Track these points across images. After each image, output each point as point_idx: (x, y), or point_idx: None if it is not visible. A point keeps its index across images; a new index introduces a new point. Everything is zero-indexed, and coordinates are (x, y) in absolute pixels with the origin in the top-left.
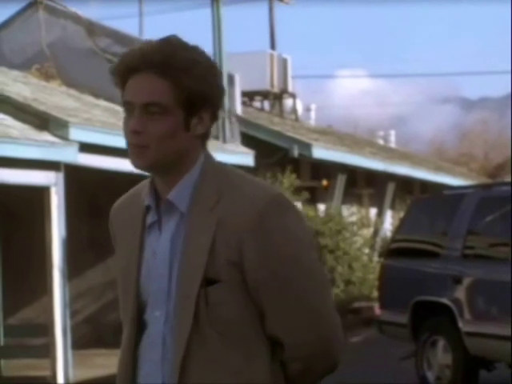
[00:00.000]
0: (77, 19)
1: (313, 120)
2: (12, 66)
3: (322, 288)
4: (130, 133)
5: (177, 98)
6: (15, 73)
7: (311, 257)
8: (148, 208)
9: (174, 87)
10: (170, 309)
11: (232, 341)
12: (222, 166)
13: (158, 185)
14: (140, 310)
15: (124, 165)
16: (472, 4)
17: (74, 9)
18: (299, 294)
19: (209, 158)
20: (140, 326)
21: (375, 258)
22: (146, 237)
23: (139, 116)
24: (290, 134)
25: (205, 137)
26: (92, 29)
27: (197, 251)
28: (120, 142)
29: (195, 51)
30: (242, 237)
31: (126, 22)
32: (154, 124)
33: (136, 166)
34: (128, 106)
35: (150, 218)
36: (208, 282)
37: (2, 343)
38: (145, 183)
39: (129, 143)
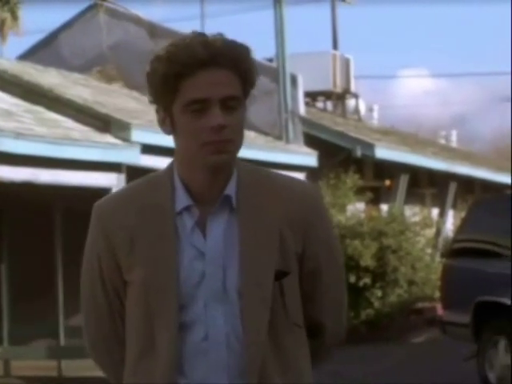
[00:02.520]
0: (138, 21)
1: (375, 120)
2: (72, 68)
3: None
4: (213, 129)
5: (243, 90)
6: (76, 75)
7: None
8: (185, 209)
9: (241, 79)
10: (228, 308)
11: (302, 331)
12: (248, 163)
13: (196, 183)
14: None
15: None
16: None
17: (135, 11)
18: (342, 280)
19: None
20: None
21: (437, 259)
22: (184, 238)
23: (220, 111)
24: (352, 134)
25: None
26: (154, 31)
27: (265, 246)
28: None
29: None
30: (305, 229)
31: (187, 24)
32: (234, 117)
33: (218, 162)
34: (200, 103)
35: (190, 219)
36: (280, 274)
37: (62, 344)
38: (144, 183)
39: (209, 141)
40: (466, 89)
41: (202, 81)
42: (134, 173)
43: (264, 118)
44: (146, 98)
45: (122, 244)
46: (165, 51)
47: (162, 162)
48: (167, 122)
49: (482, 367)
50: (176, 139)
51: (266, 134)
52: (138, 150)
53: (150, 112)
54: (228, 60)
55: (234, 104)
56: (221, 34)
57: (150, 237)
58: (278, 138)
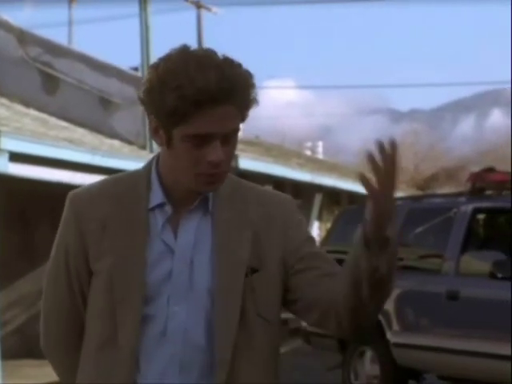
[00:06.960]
0: (8, 27)
1: (240, 131)
2: None
3: None
4: (211, 163)
5: (242, 119)
6: None
7: None
8: (158, 206)
9: (241, 114)
10: (192, 305)
11: (273, 327)
12: None
13: (178, 189)
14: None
15: (54, 175)
16: (403, 16)
17: (5, 16)
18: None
19: None
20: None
21: None
22: (155, 234)
23: (220, 146)
24: None
25: None
26: (23, 37)
27: (237, 245)
28: (50, 151)
29: (243, 71)
30: (283, 230)
31: (56, 31)
32: (230, 148)
33: (209, 191)
34: (204, 136)
35: (161, 216)
36: (250, 270)
37: None
38: (121, 177)
39: (205, 173)
40: (331, 101)
41: (211, 116)
42: (2, 181)
43: (128, 127)
44: (14, 105)
45: (93, 232)
46: (175, 77)
47: (30, 171)
48: (161, 135)
49: (347, 378)
50: (167, 152)
51: (130, 143)
52: (6, 157)
53: (19, 119)
54: (237, 96)
55: (232, 138)
56: (228, 59)
57: (122, 228)
58: (142, 147)
